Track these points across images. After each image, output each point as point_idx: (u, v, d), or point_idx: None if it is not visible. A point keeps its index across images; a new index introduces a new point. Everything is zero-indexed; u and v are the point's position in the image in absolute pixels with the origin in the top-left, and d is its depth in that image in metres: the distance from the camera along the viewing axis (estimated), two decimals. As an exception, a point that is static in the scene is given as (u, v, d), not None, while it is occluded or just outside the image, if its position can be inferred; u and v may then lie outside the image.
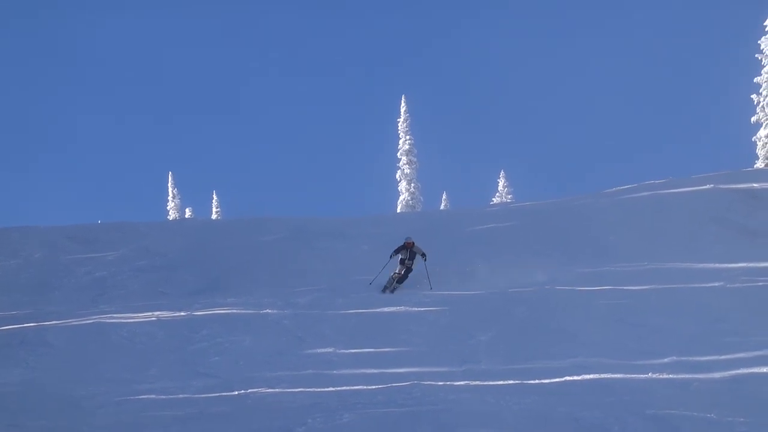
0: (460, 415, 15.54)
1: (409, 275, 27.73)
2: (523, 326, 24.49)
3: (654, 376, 18.76)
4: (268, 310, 26.52)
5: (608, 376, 18.82)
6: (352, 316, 26.12)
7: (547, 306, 26.33)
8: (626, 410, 15.63)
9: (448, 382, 18.66)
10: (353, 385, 18.72)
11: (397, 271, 27.73)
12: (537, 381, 18.67)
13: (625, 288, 28.37)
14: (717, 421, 14.86)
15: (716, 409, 15.61)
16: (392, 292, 26.69)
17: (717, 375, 18.75)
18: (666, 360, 20.17)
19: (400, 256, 26.55)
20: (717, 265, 31.26)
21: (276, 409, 16.67)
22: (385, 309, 26.77)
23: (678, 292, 27.54)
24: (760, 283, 28.23)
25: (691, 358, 20.17)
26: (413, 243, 26.19)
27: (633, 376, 18.80)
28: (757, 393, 17.13)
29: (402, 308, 26.78)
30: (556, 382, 18.58)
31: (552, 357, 21.07)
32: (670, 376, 18.73)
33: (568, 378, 18.81)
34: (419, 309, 26.66)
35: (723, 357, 20.18)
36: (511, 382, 18.65)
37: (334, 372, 20.47)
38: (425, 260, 26.01)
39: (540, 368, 19.92)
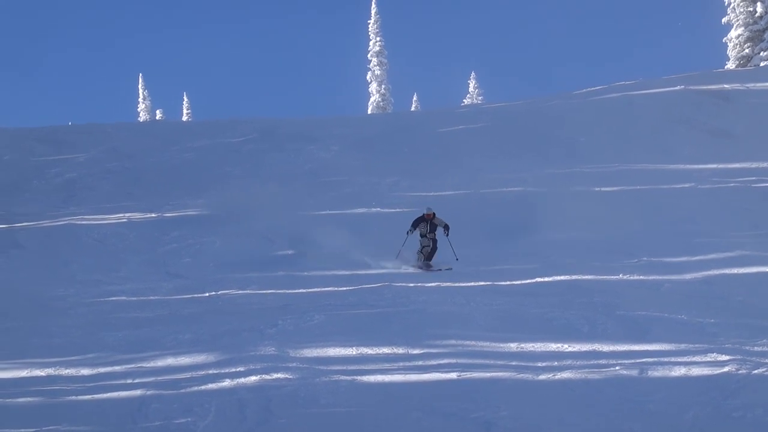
0: (430, 316, 15.55)
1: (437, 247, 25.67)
2: (495, 228, 24.49)
3: (624, 277, 18.83)
4: (239, 212, 26.36)
5: (579, 277, 18.87)
6: (323, 216, 25.99)
7: (519, 209, 26.31)
8: (597, 311, 15.68)
9: (419, 284, 18.67)
10: (324, 287, 18.72)
11: (422, 247, 25.44)
12: (508, 282, 18.71)
13: (596, 189, 28.40)
14: (687, 322, 14.91)
15: (686, 310, 15.66)
16: (424, 269, 24.92)
17: (688, 276, 18.84)
18: (637, 261, 20.24)
19: (419, 231, 24.78)
20: (687, 166, 31.33)
21: (246, 311, 16.63)
22: (358, 210, 26.71)
23: (648, 194, 27.62)
24: (730, 185, 28.35)
25: (661, 259, 20.27)
26: (434, 214, 24.05)
27: (604, 277, 18.87)
28: (726, 294, 17.20)
29: (376, 210, 26.73)
30: (527, 283, 18.63)
31: (523, 259, 21.11)
32: (641, 277, 18.81)
33: (539, 279, 18.86)
34: (393, 210, 26.59)
35: (694, 258, 20.28)
36: (482, 283, 18.68)
37: (305, 274, 20.44)
38: (447, 232, 24.33)
39: (511, 270, 19.98)
